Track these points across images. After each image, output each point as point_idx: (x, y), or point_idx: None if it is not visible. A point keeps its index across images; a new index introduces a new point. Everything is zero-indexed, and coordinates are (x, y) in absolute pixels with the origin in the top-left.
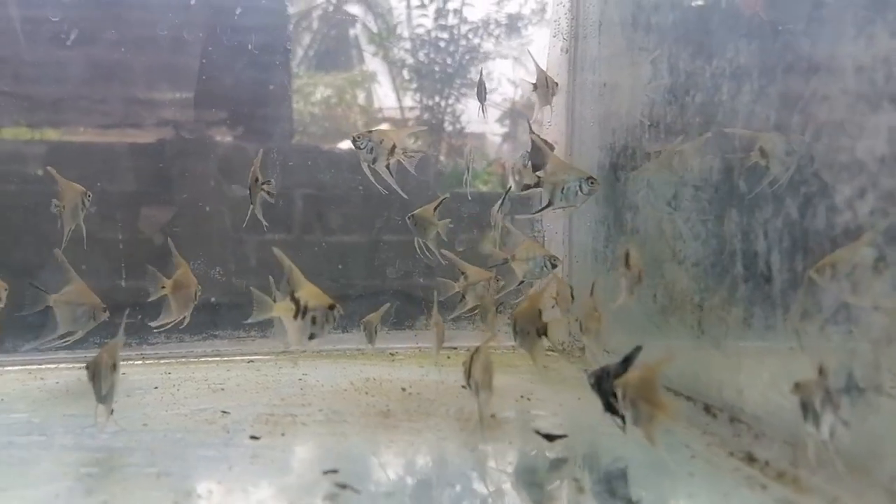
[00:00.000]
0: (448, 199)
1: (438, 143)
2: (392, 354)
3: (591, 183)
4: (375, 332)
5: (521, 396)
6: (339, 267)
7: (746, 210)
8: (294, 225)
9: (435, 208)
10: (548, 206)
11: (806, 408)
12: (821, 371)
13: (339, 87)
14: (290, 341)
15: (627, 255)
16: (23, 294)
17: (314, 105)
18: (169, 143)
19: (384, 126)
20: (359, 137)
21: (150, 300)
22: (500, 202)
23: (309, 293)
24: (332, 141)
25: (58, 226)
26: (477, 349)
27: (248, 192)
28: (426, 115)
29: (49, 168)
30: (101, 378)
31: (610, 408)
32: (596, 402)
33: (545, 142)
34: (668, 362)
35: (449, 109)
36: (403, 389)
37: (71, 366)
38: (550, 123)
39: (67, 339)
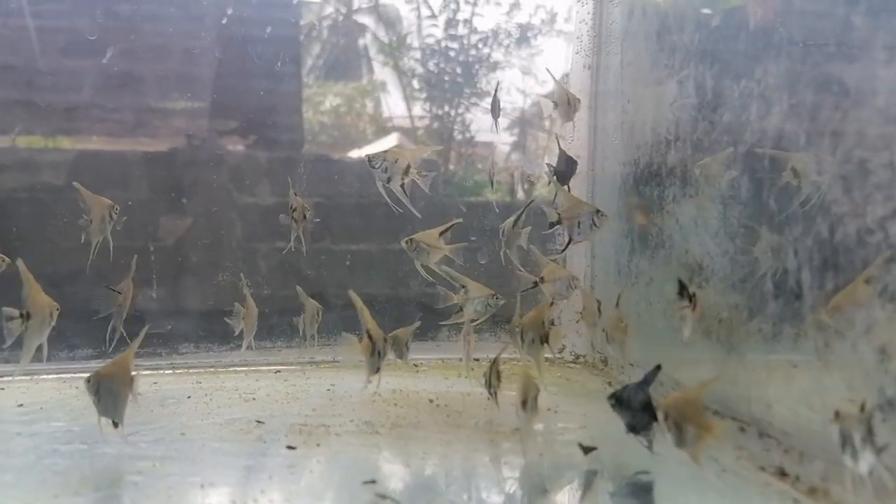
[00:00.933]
0: (460, 223)
1: (447, 152)
2: (416, 365)
3: (601, 216)
4: (407, 349)
5: (548, 409)
6: (351, 275)
7: (777, 228)
8: (304, 233)
9: (442, 233)
10: (569, 242)
11: (844, 439)
12: (862, 407)
13: (348, 96)
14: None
15: (683, 286)
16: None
17: (324, 114)
18: (181, 151)
19: (394, 136)
20: (374, 157)
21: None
22: (516, 217)
23: (375, 330)
24: (342, 150)
25: (79, 237)
26: (495, 360)
27: (292, 219)
28: (436, 125)
29: (75, 183)
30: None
31: (633, 428)
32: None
33: (570, 157)
34: (713, 383)
35: (458, 119)
36: (431, 401)
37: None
38: (573, 138)
39: None
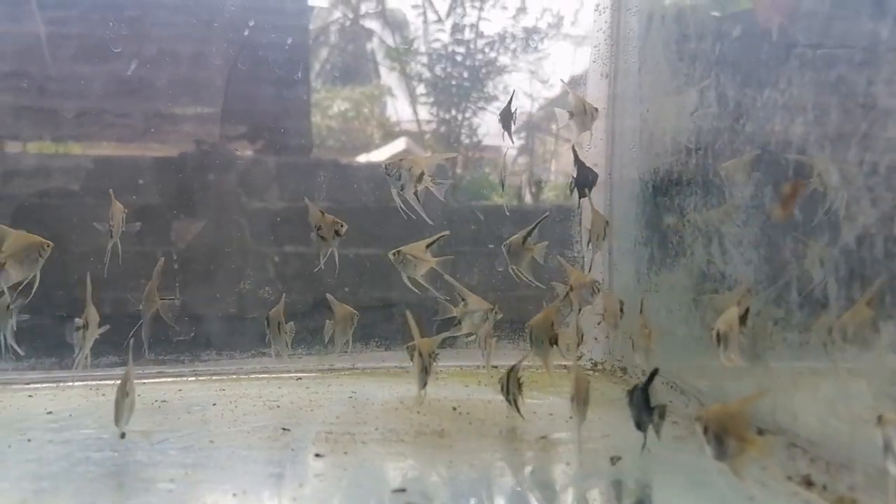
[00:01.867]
0: (447, 236)
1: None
2: (436, 373)
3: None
4: (433, 359)
5: (571, 418)
6: (361, 280)
7: (802, 238)
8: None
9: (429, 245)
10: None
11: (888, 445)
12: None
13: (356, 100)
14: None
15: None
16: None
17: (332, 119)
18: (190, 156)
19: (402, 140)
20: (389, 165)
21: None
22: (529, 230)
23: (425, 346)
24: (350, 154)
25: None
26: (512, 367)
27: (319, 237)
28: (443, 129)
29: (110, 191)
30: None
31: (639, 426)
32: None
33: (589, 169)
34: (759, 398)
35: (466, 123)
36: (454, 409)
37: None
38: (591, 146)
39: None
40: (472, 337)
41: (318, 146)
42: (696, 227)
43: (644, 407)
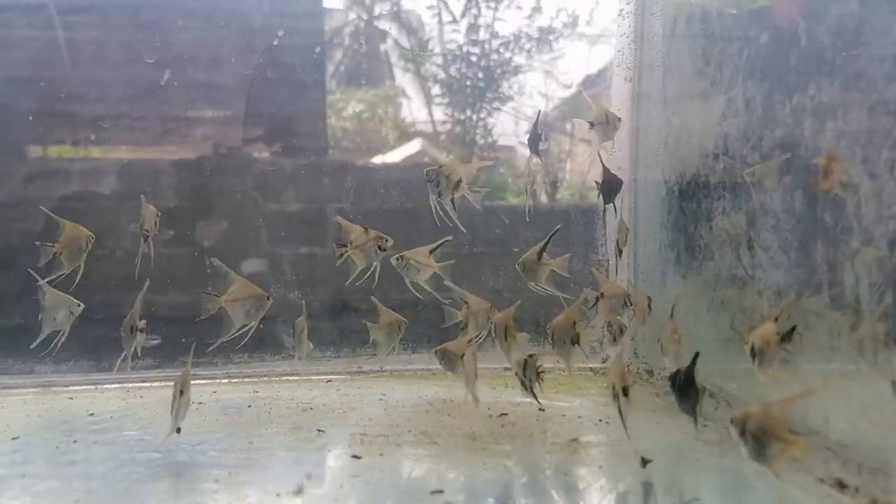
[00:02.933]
0: (451, 241)
1: (469, 157)
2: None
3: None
4: (394, 336)
5: (600, 420)
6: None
7: (832, 241)
8: (328, 238)
9: (432, 251)
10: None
11: None
12: None
13: (371, 102)
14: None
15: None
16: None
17: (347, 120)
18: (208, 159)
19: (416, 141)
20: (430, 171)
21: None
22: (543, 244)
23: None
24: (365, 156)
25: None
26: (531, 355)
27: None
28: (458, 129)
29: (142, 196)
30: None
31: (684, 409)
32: (676, 427)
33: (615, 176)
34: (799, 400)
35: (480, 123)
36: (488, 411)
37: (163, 384)
38: (614, 150)
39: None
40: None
41: (334, 148)
42: (724, 231)
43: (688, 390)
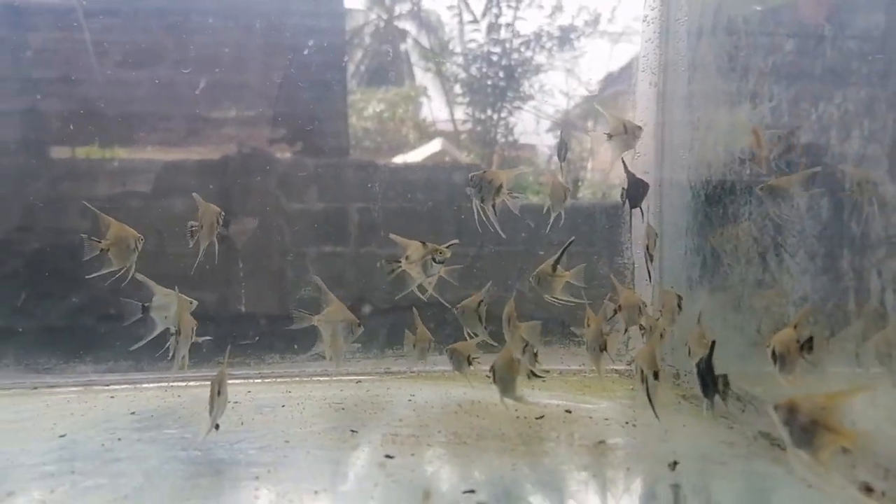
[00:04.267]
0: (457, 244)
1: (491, 155)
2: (488, 377)
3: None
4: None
5: (627, 423)
6: (397, 279)
7: (858, 249)
8: (350, 238)
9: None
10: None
11: None
12: None
13: (391, 101)
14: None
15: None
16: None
17: (367, 120)
18: (233, 159)
19: (437, 141)
20: (474, 177)
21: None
22: (556, 258)
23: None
24: (386, 156)
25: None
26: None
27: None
28: (478, 128)
29: (194, 194)
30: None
31: (706, 392)
32: (702, 430)
33: (640, 180)
34: (857, 394)
35: (501, 122)
36: (516, 412)
37: (199, 383)
38: (639, 154)
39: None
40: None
41: (355, 147)
42: (750, 237)
43: (709, 375)
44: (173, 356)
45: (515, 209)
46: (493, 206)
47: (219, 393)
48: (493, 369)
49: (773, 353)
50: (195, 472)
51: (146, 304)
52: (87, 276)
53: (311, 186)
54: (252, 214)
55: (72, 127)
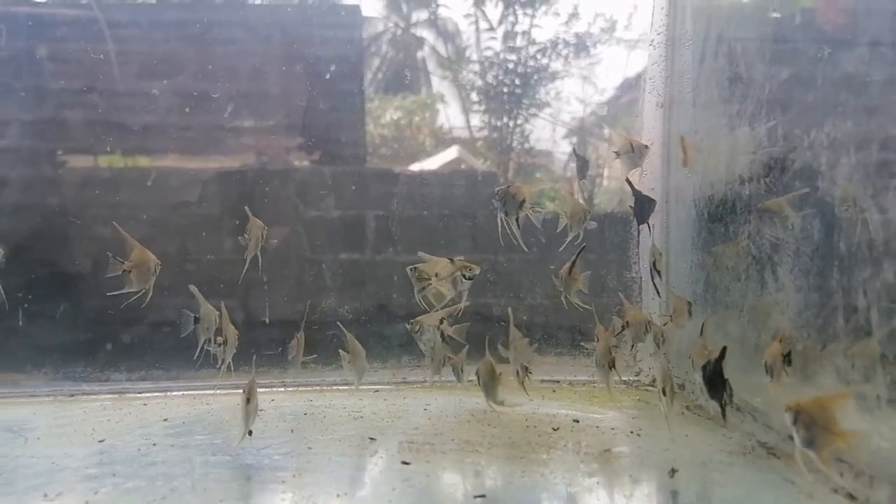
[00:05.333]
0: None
1: (507, 162)
2: (471, 381)
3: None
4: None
5: (632, 432)
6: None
7: (847, 269)
8: (367, 245)
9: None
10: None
11: None
12: None
13: (408, 109)
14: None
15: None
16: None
17: (384, 127)
18: (252, 168)
19: (454, 148)
20: (500, 192)
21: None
22: (571, 263)
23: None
24: (402, 163)
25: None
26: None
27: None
28: (494, 136)
29: (246, 207)
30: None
31: (712, 395)
32: (702, 439)
33: (647, 197)
34: (849, 396)
35: (517, 130)
36: (526, 420)
37: (227, 392)
38: (646, 172)
39: None
40: None
41: (372, 154)
42: (749, 254)
43: (716, 379)
44: (220, 365)
45: (538, 223)
46: (517, 220)
47: (248, 401)
48: (477, 374)
49: (765, 364)
50: (226, 476)
51: (197, 315)
52: (109, 294)
53: (329, 194)
54: (270, 222)
55: (93, 136)
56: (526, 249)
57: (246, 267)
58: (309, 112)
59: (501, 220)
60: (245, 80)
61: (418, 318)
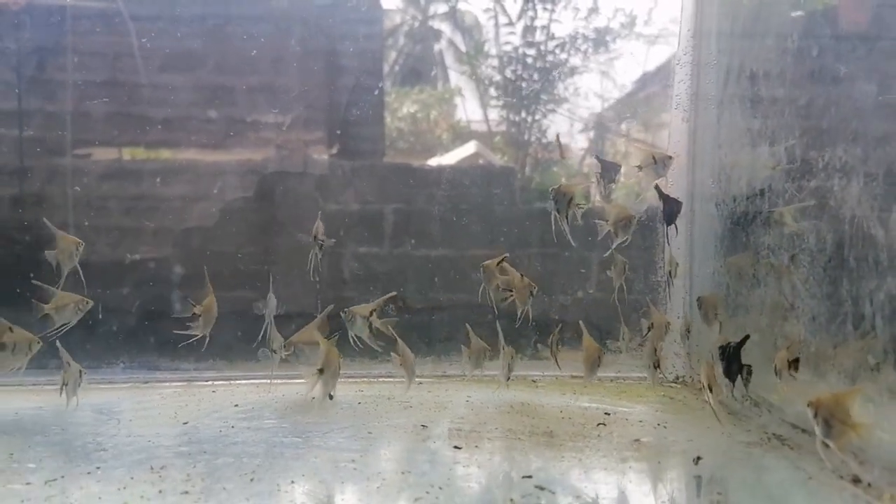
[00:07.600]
0: (396, 295)
1: (524, 157)
2: (534, 381)
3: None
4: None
5: (658, 424)
6: (431, 281)
7: (856, 279)
8: (385, 239)
9: (374, 309)
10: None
11: None
12: None
13: (426, 103)
14: None
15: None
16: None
17: (402, 121)
18: (272, 161)
19: (472, 143)
20: (554, 191)
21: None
22: (609, 252)
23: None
24: (420, 157)
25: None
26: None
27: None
28: (512, 130)
29: (319, 212)
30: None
31: (729, 375)
32: (723, 431)
33: (674, 199)
34: (860, 391)
35: (535, 124)
36: (560, 412)
37: (285, 381)
38: (672, 183)
39: None
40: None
41: (390, 148)
42: (768, 263)
43: (734, 361)
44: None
45: (578, 217)
46: (567, 217)
47: (321, 371)
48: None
49: (775, 367)
50: (300, 454)
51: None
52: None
53: (348, 187)
54: (290, 215)
55: (117, 128)
56: (574, 245)
57: (310, 267)
58: (329, 106)
59: (555, 217)
60: (265, 74)
61: (351, 308)
